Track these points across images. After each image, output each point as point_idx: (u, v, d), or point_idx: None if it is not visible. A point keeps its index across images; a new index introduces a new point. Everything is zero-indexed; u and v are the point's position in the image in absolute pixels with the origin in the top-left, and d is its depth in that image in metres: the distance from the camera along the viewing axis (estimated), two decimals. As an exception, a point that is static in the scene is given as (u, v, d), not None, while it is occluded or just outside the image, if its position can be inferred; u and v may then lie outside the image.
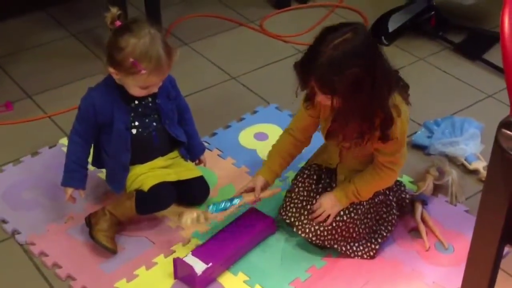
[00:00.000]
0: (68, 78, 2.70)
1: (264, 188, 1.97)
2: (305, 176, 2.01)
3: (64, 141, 2.37)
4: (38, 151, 2.33)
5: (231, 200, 1.94)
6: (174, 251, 1.97)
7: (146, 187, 1.97)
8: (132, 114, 1.94)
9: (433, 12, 2.98)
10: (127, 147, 1.96)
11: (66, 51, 2.89)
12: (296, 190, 2.00)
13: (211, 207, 1.93)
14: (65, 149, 2.30)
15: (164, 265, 1.93)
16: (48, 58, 2.85)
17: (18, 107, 2.56)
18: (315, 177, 2.01)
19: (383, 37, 2.89)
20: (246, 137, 2.40)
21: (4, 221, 2.07)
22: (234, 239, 1.94)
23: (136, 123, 1.96)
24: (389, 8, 2.99)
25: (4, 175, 2.24)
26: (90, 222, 1.97)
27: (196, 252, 1.88)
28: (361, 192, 1.89)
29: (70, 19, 3.08)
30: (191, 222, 1.91)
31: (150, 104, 1.96)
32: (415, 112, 2.43)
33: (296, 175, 2.04)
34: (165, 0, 2.94)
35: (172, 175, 2.02)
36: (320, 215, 1.91)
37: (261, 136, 2.39)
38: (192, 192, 2.07)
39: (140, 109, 1.95)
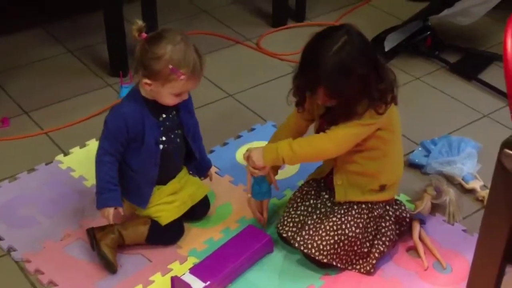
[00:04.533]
0: (65, 95, 2.70)
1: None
2: (304, 192, 2.02)
3: (61, 158, 2.36)
4: (34, 167, 2.32)
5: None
6: (171, 269, 1.95)
7: (163, 221, 1.98)
8: (162, 129, 1.93)
9: (429, 32, 2.99)
10: (156, 161, 1.93)
11: (63, 68, 2.89)
12: (295, 205, 2.00)
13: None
14: (61, 166, 2.32)
15: (161, 283, 1.91)
16: (45, 74, 2.84)
17: (15, 123, 2.55)
18: (313, 192, 2.01)
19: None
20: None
21: (-1, 238, 2.06)
22: (232, 257, 1.92)
23: (164, 138, 1.94)
24: (385, 28, 3.01)
25: (0, 191, 2.23)
26: (94, 235, 1.95)
27: (194, 271, 1.87)
28: (297, 142, 1.84)
29: (67, 36, 3.09)
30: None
31: (176, 118, 1.95)
32: (411, 131, 2.46)
33: (294, 192, 2.05)
34: (162, 18, 2.96)
35: (188, 202, 2.03)
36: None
37: (259, 154, 2.37)
38: (195, 208, 2.06)
39: (167, 123, 1.93)
